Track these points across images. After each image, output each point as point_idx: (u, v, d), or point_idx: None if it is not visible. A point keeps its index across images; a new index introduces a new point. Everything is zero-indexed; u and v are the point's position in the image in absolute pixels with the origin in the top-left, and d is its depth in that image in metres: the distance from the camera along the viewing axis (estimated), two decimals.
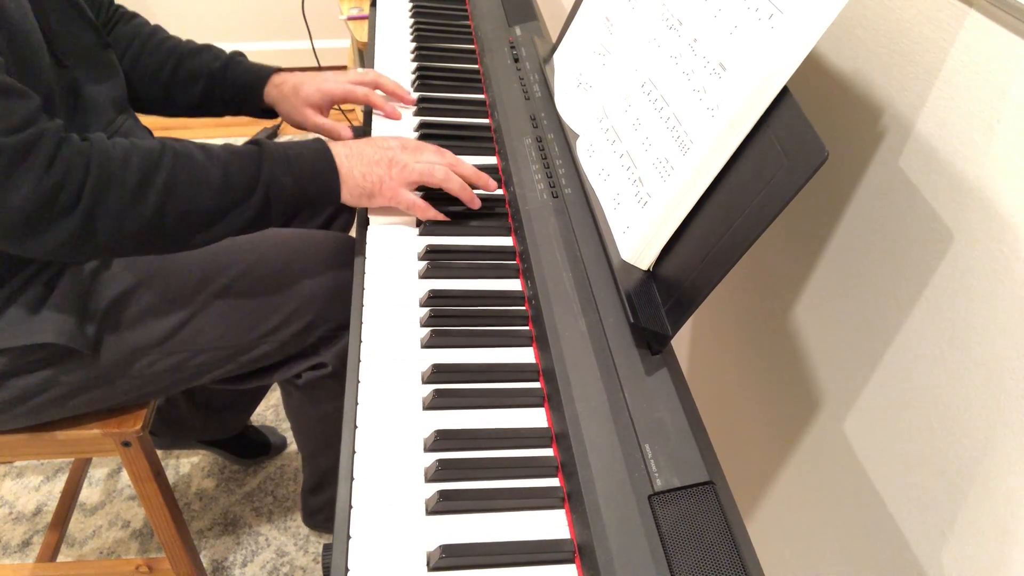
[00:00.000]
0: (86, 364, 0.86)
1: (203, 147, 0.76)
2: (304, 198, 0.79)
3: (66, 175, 0.68)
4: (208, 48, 1.06)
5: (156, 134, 1.05)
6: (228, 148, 0.77)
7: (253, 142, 0.79)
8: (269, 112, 1.08)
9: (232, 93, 1.05)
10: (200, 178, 0.74)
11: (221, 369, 0.95)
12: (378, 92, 1.01)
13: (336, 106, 1.06)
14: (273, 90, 1.04)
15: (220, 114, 1.08)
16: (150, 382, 0.92)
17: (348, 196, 0.80)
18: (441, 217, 0.81)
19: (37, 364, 0.85)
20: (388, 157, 0.81)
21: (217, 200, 0.75)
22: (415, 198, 0.81)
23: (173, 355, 0.90)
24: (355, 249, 0.79)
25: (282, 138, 2.40)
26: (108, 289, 0.86)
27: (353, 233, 0.90)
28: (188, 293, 0.89)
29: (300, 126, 1.04)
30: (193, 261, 0.90)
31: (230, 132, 2.41)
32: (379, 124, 0.98)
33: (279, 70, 1.05)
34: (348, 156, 0.80)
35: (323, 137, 0.81)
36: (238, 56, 1.06)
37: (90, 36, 0.87)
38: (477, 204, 0.83)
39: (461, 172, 0.82)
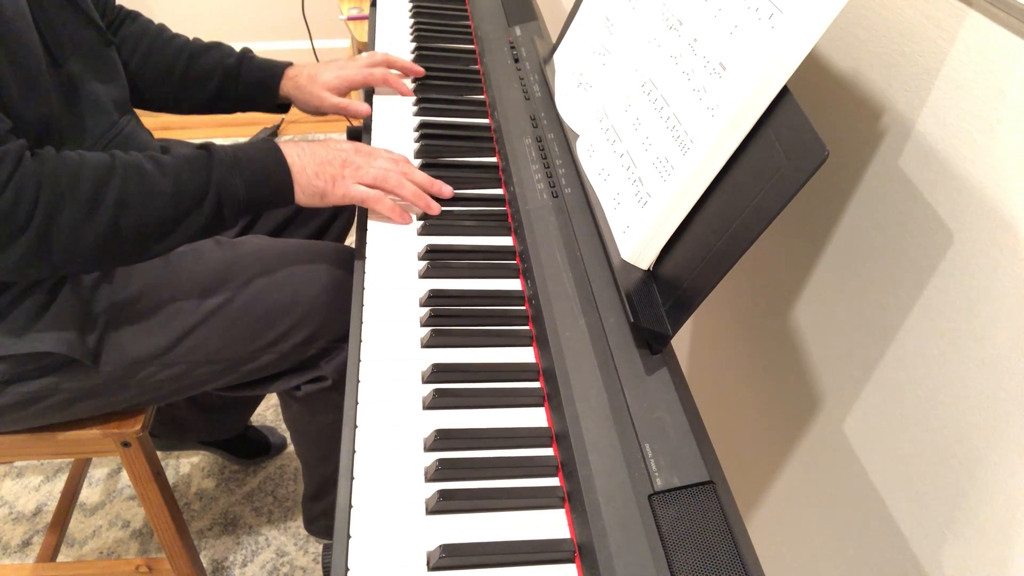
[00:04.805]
0: (87, 373, 0.86)
1: (152, 157, 0.76)
2: (257, 200, 0.79)
3: (18, 196, 0.67)
4: (218, 45, 1.06)
5: (157, 135, 1.05)
6: (177, 155, 0.77)
7: (202, 147, 0.79)
8: (283, 107, 1.08)
9: (247, 89, 1.05)
10: (151, 188, 0.73)
11: (222, 380, 0.94)
12: (392, 72, 1.03)
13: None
14: (288, 83, 1.05)
15: (232, 110, 1.08)
16: (151, 391, 0.91)
17: (301, 195, 0.80)
18: (399, 216, 0.81)
19: (38, 371, 0.84)
20: (342, 158, 0.81)
21: (170, 209, 0.74)
22: (368, 191, 0.80)
23: (174, 366, 0.90)
24: (356, 250, 0.79)
25: (284, 137, 2.40)
26: (109, 300, 0.86)
27: (351, 239, 0.90)
28: (189, 305, 0.89)
29: (318, 111, 1.05)
30: (194, 273, 0.90)
31: (231, 132, 2.41)
32: (380, 123, 0.98)
33: (291, 64, 1.06)
34: (300, 155, 0.80)
35: (272, 139, 0.81)
36: (249, 52, 1.07)
37: (91, 34, 0.87)
38: (436, 210, 0.82)
39: (415, 179, 0.82)
